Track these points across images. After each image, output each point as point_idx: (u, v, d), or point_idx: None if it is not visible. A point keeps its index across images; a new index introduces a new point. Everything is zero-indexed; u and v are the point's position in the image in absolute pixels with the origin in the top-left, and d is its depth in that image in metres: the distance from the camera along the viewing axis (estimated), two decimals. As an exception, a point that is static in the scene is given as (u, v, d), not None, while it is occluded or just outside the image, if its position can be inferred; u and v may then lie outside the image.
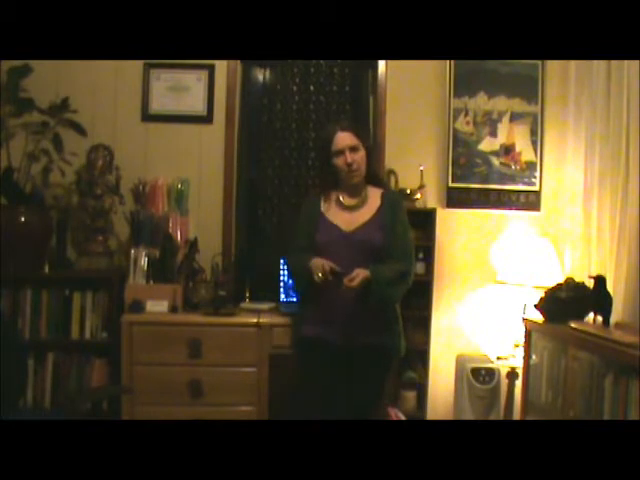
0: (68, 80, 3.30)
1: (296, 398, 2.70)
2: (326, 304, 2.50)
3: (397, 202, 2.61)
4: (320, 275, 2.38)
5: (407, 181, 3.45)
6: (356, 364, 2.50)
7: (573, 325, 2.72)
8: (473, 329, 3.56)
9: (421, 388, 3.39)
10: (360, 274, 2.36)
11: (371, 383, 2.54)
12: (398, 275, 2.48)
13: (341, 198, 2.57)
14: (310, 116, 3.53)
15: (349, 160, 2.48)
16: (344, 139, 2.50)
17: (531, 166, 3.57)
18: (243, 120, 3.49)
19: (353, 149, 2.49)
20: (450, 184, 3.54)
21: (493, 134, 3.56)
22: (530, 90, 3.55)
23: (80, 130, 3.09)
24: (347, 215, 2.55)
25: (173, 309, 3.05)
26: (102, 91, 3.38)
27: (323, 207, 2.59)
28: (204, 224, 3.40)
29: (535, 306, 2.99)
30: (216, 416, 2.71)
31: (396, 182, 3.46)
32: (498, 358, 3.38)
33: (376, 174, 2.65)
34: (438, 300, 3.48)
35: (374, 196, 2.58)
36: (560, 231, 3.51)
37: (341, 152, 2.49)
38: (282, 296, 3.31)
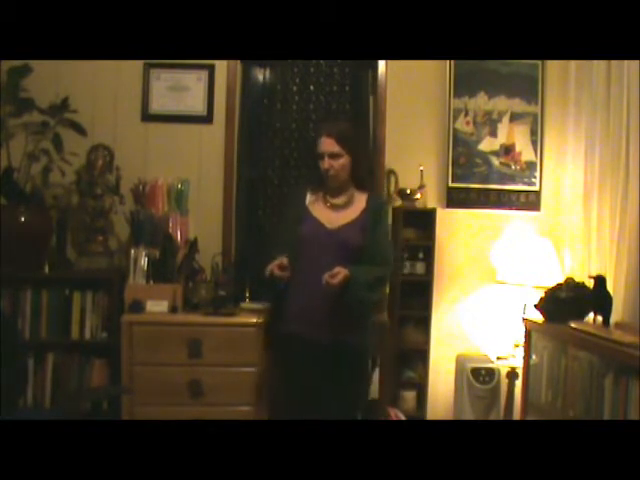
0: (68, 80, 3.29)
1: (277, 396, 2.72)
2: (301, 301, 2.50)
3: (382, 207, 2.64)
4: (268, 272, 2.41)
5: (407, 181, 3.45)
6: (333, 362, 2.50)
7: (573, 325, 2.72)
8: (473, 329, 3.56)
9: (421, 388, 3.39)
10: (341, 272, 2.36)
11: (349, 381, 2.54)
12: (376, 280, 2.49)
13: (327, 197, 2.60)
14: (310, 116, 3.53)
15: (326, 166, 2.51)
16: (326, 145, 2.52)
17: (531, 166, 3.57)
18: (243, 120, 3.49)
19: (333, 156, 2.51)
20: (450, 184, 3.54)
21: (493, 134, 3.56)
22: (530, 90, 3.55)
23: (80, 130, 3.09)
24: (331, 213, 2.57)
25: (173, 309, 3.05)
26: (102, 91, 3.38)
27: (309, 202, 2.61)
28: (204, 224, 3.40)
29: (535, 306, 2.99)
30: (216, 416, 2.71)
31: (396, 182, 3.47)
32: (498, 358, 3.38)
33: (363, 179, 2.65)
34: (438, 300, 3.48)
35: (360, 199, 2.60)
36: (560, 231, 3.51)
37: (322, 156, 2.53)
38: (282, 296, 3.31)
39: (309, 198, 2.61)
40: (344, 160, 2.53)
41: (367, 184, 2.66)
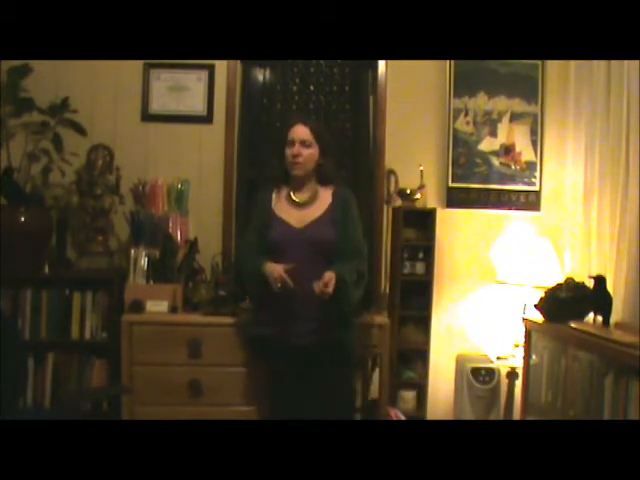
0: (68, 80, 3.29)
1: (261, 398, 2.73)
2: (279, 303, 2.50)
3: (348, 199, 2.63)
4: (280, 285, 2.41)
5: (407, 181, 3.45)
6: (316, 362, 2.50)
7: (573, 325, 2.72)
8: (473, 329, 3.56)
9: (421, 388, 3.39)
10: (332, 278, 2.36)
11: (333, 382, 2.55)
12: (359, 276, 2.51)
13: (291, 194, 2.61)
14: (310, 116, 3.52)
15: (295, 152, 2.53)
16: (299, 131, 2.55)
17: (531, 166, 3.57)
18: (243, 120, 3.49)
19: (303, 143, 2.54)
20: (450, 184, 3.54)
21: (493, 134, 3.56)
22: (530, 90, 3.55)
23: (80, 130, 3.09)
24: (298, 212, 2.58)
25: (173, 309, 3.05)
26: (102, 91, 3.37)
27: (274, 203, 2.62)
28: (204, 224, 3.40)
29: (535, 306, 2.99)
30: (216, 416, 2.71)
31: (396, 182, 3.47)
32: (498, 358, 3.38)
33: (328, 175, 2.66)
34: (438, 300, 3.48)
35: (325, 194, 2.61)
36: (560, 231, 3.51)
37: (292, 142, 2.55)
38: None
39: (274, 199, 2.63)
40: (313, 151, 2.56)
41: (333, 179, 2.67)
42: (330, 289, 2.34)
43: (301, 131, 2.55)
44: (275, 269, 2.42)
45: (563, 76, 3.51)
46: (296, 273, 2.40)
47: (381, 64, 3.48)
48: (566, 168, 3.49)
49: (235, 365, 2.96)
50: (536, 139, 3.56)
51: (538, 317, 3.00)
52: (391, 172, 3.49)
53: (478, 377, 3.39)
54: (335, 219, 2.54)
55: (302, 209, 2.57)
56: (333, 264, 2.43)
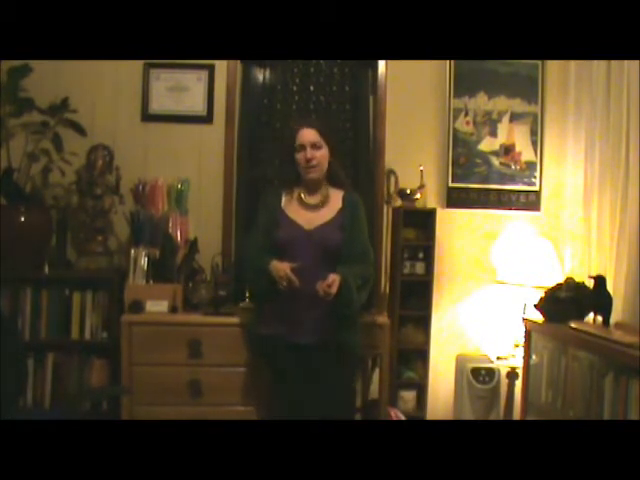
0: (68, 80, 3.29)
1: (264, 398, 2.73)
2: (285, 302, 2.50)
3: (358, 205, 2.64)
4: (285, 284, 2.41)
5: (407, 181, 3.45)
6: (319, 363, 2.51)
7: (573, 325, 2.72)
8: (473, 329, 3.56)
9: (421, 388, 3.39)
10: (336, 279, 2.36)
11: (337, 382, 2.56)
12: (363, 281, 2.52)
13: (302, 196, 2.60)
14: (310, 116, 3.52)
15: (309, 156, 2.52)
16: (307, 135, 2.54)
17: (531, 166, 3.57)
18: (243, 120, 3.49)
19: (314, 146, 2.53)
20: (450, 184, 3.54)
21: (493, 134, 3.55)
22: (530, 90, 3.55)
23: (80, 130, 3.09)
24: (308, 214, 2.57)
25: (173, 309, 3.05)
26: (102, 91, 3.37)
27: (284, 203, 2.61)
28: (204, 224, 3.40)
29: (535, 306, 2.99)
30: (216, 416, 2.71)
31: (396, 182, 3.47)
32: (498, 358, 3.38)
33: (338, 175, 2.66)
34: (438, 300, 3.48)
35: (335, 197, 2.61)
36: (560, 231, 3.51)
37: (302, 147, 2.53)
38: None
39: (284, 200, 2.62)
40: (324, 151, 2.56)
41: (343, 181, 2.67)
42: (333, 290, 2.35)
43: (309, 134, 2.54)
44: (281, 267, 2.42)
45: (563, 76, 3.51)
46: (302, 272, 2.40)
47: (381, 64, 3.48)
48: (566, 168, 3.49)
49: (235, 365, 2.96)
50: (536, 139, 3.56)
51: (538, 317, 3.00)
52: (391, 172, 3.48)
53: (478, 377, 3.39)
54: (344, 224, 2.55)
55: (312, 211, 2.57)
56: (339, 268, 2.44)
